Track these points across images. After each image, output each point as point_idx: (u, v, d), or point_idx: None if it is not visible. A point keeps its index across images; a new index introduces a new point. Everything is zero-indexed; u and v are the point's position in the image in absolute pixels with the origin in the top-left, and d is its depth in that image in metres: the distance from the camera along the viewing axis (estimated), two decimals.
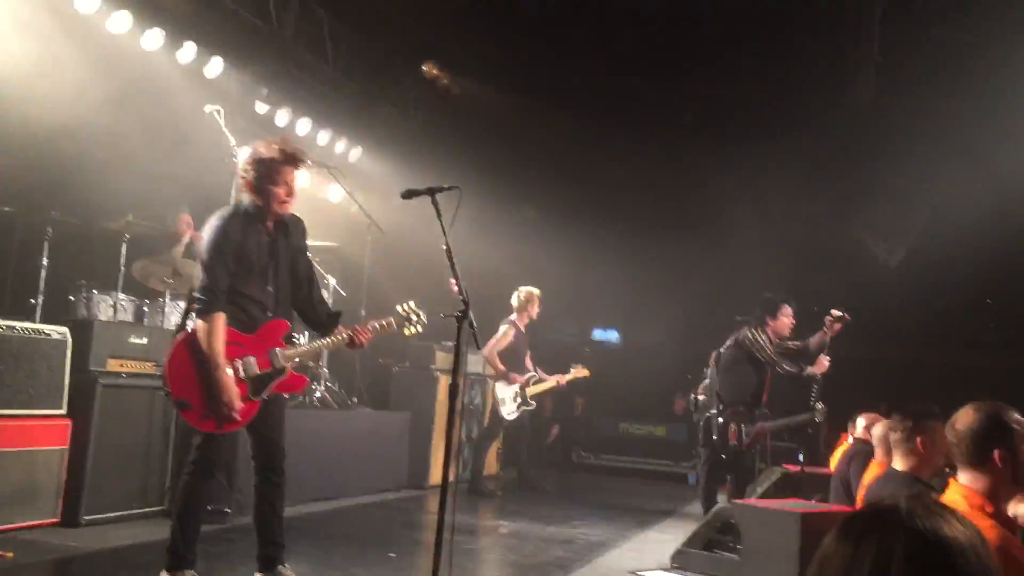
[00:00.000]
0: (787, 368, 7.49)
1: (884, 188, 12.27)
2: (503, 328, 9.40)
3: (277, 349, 4.55)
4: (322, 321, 4.85)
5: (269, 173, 4.49)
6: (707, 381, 8.09)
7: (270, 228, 4.61)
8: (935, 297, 12.47)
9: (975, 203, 10.63)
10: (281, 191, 4.53)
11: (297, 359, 4.66)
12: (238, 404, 4.34)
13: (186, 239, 8.34)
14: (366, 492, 8.32)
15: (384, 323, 4.82)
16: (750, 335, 7.53)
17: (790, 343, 7.72)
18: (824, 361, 7.65)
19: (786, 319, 7.65)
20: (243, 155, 4.65)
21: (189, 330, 4.44)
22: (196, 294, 4.40)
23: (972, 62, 9.73)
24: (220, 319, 4.36)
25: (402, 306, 4.85)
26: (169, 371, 4.40)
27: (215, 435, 4.42)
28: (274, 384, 4.54)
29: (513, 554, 6.34)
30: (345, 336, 4.72)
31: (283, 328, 4.62)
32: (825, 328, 7.47)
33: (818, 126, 11.35)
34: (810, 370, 7.62)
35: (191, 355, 4.36)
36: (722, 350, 7.67)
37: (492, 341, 9.29)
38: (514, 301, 9.50)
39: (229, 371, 4.36)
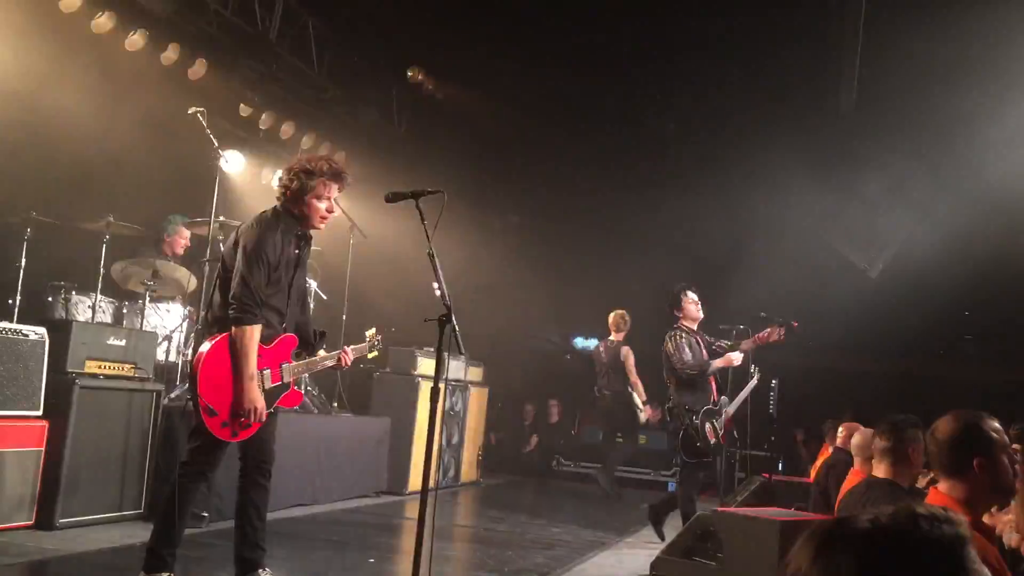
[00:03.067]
0: (689, 372, 7.35)
1: (865, 199, 12.34)
2: (625, 350, 10.19)
3: (286, 364, 4.56)
4: (310, 339, 4.86)
5: (316, 186, 4.48)
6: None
7: (298, 241, 4.60)
8: (914, 309, 12.55)
9: (954, 214, 10.72)
10: (323, 206, 4.54)
11: (296, 375, 4.66)
12: (264, 416, 4.34)
13: (181, 252, 8.05)
14: (345, 497, 8.28)
15: (361, 347, 5.07)
16: (670, 347, 7.46)
17: (725, 342, 7.68)
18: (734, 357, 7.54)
19: (691, 304, 7.61)
20: (289, 163, 4.66)
21: (216, 338, 4.35)
22: (237, 302, 4.29)
23: (952, 75, 9.82)
24: (258, 330, 4.32)
25: (369, 333, 5.13)
26: (202, 376, 4.27)
27: (223, 443, 4.38)
28: (280, 398, 4.55)
29: (493, 560, 6.31)
30: (336, 357, 4.83)
31: (294, 343, 4.63)
32: (758, 335, 7.46)
33: (800, 137, 11.43)
34: (732, 355, 7.53)
35: (224, 363, 4.29)
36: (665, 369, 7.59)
37: (633, 370, 10.10)
38: (613, 322, 10.29)
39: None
